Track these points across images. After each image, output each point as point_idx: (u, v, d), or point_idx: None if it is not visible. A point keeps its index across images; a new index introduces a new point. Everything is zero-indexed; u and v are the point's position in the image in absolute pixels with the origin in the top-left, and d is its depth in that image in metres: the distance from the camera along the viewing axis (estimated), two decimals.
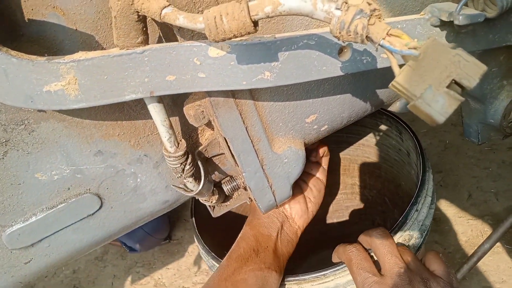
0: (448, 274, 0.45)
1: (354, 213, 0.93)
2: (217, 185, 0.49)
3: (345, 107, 0.45)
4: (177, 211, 1.49)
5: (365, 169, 0.88)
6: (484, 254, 0.50)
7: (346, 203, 0.94)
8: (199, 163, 0.42)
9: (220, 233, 0.66)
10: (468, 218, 1.19)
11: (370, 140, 0.82)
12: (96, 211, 0.42)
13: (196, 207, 0.67)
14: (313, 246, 0.81)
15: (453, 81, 0.23)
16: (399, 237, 0.53)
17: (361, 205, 0.93)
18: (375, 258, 0.48)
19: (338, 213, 0.94)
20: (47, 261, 0.43)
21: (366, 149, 0.85)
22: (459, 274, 0.49)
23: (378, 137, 0.80)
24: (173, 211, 1.58)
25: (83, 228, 0.42)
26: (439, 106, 0.23)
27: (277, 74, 0.32)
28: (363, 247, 0.49)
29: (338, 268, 0.50)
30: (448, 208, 1.23)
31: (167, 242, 1.37)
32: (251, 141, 0.41)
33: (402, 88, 0.24)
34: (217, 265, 0.59)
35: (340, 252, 0.50)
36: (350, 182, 0.93)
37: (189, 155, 0.40)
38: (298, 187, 0.59)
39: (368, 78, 0.44)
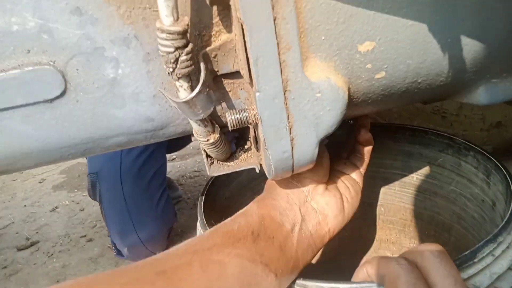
0: None
1: None
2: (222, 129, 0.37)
3: (414, 50, 0.33)
4: (176, 229, 1.34)
5: (431, 229, 0.67)
6: None
7: None
8: (201, 65, 0.31)
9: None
10: None
11: (445, 187, 0.62)
12: (56, 98, 0.32)
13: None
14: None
15: None
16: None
17: None
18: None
19: None
20: None
21: (437, 200, 0.64)
22: None
23: (456, 184, 0.60)
24: (174, 227, 1.39)
25: (36, 120, 0.32)
26: None
27: None
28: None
29: (364, 285, 0.34)
30: None
31: None
32: (277, 44, 0.29)
33: None
34: None
35: (381, 265, 0.33)
36: (406, 243, 0.71)
37: (190, 43, 0.29)
38: (333, 182, 0.46)
39: (455, 10, 0.32)
